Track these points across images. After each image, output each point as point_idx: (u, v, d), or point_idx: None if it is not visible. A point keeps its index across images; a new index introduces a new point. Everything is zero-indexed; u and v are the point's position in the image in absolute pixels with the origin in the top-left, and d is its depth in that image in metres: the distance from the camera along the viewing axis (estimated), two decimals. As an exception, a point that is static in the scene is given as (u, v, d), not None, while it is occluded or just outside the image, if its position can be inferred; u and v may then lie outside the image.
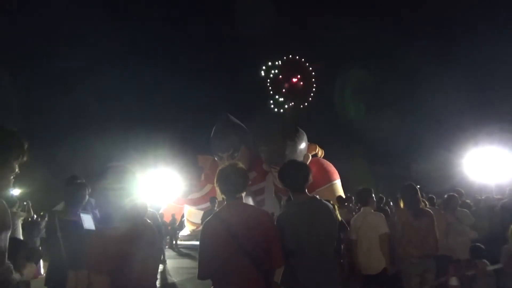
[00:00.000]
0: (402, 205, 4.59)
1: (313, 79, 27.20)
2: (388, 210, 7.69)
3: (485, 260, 4.65)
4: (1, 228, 1.72)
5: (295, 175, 2.79)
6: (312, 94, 26.97)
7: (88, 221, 2.96)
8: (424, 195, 7.17)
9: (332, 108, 31.05)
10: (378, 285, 4.22)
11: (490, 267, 4.56)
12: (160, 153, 13.56)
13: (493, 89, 28.03)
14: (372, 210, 4.51)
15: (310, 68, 27.44)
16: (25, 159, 1.91)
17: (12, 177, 1.87)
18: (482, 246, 4.79)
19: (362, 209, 4.56)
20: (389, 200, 9.57)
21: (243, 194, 2.56)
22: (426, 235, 4.12)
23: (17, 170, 1.88)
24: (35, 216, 8.26)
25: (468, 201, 8.60)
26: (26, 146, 1.90)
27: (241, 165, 2.56)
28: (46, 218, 3.54)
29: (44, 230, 6.16)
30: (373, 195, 4.71)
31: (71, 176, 3.58)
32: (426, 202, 5.69)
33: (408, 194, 4.32)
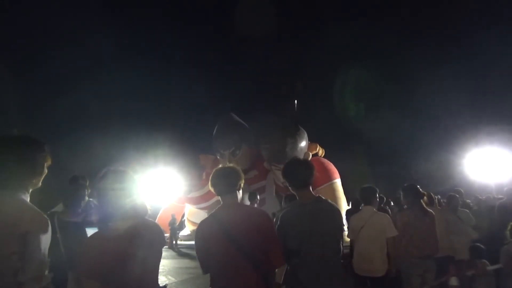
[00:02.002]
0: (405, 206, 4.57)
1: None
2: (389, 210, 7.70)
3: (485, 260, 4.65)
4: (41, 235, 1.72)
5: (299, 174, 2.78)
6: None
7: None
8: (439, 197, 7.09)
9: (332, 108, 31.05)
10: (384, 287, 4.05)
11: (490, 267, 4.56)
12: (160, 153, 13.56)
13: (493, 89, 28.02)
14: (376, 210, 4.29)
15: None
16: (45, 172, 1.98)
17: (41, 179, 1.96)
18: (482, 246, 4.78)
19: (363, 208, 4.40)
20: (389, 200, 9.56)
21: (239, 193, 2.54)
22: (427, 236, 4.11)
23: (46, 171, 1.97)
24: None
25: (468, 201, 8.59)
26: (50, 161, 1.99)
27: (233, 165, 2.58)
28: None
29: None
30: (377, 194, 4.43)
31: (73, 176, 3.55)
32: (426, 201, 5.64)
33: (409, 194, 4.29)
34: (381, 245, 3.96)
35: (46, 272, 1.72)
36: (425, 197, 4.46)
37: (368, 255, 3.98)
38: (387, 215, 4.40)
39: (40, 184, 1.95)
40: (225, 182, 2.46)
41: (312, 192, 2.80)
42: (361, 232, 4.06)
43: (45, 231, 1.74)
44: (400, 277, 4.24)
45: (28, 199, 1.83)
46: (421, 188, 4.48)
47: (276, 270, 2.49)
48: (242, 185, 2.53)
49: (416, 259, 4.07)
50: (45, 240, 1.73)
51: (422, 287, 4.13)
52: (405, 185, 4.41)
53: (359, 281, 4.07)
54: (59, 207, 3.50)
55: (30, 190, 1.86)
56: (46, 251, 1.74)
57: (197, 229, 2.43)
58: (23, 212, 1.72)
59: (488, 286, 4.53)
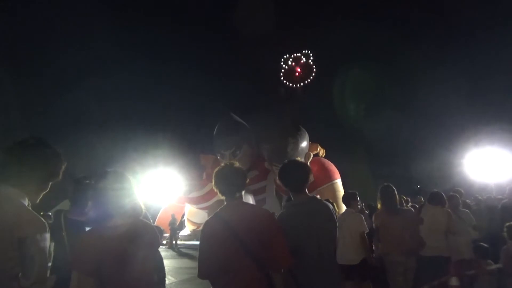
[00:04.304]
0: (379, 206, 4.84)
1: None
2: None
3: (490, 261, 4.65)
4: (40, 239, 1.70)
5: (295, 175, 2.79)
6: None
7: None
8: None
9: (332, 108, 31.06)
10: (358, 272, 4.74)
11: (490, 267, 4.57)
12: (161, 153, 13.56)
13: (493, 89, 28.02)
14: (354, 211, 5.07)
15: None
16: (59, 179, 1.96)
17: (42, 194, 1.92)
18: (486, 246, 4.79)
19: (345, 209, 5.18)
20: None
21: (243, 193, 2.54)
22: (402, 234, 4.30)
23: (48, 189, 1.94)
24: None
25: (468, 201, 8.60)
26: (64, 167, 1.97)
27: (237, 164, 2.56)
28: (51, 218, 3.54)
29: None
30: (358, 198, 5.28)
31: (80, 177, 3.55)
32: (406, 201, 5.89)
33: (385, 195, 4.58)
34: (355, 239, 4.73)
35: (49, 275, 1.72)
36: (399, 197, 4.75)
37: (346, 247, 4.71)
38: (361, 215, 5.07)
39: (38, 200, 1.92)
40: (228, 183, 2.45)
41: (308, 193, 2.82)
42: (341, 229, 4.61)
43: (43, 234, 1.72)
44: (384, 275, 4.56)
45: (26, 204, 1.80)
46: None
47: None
48: (245, 184, 2.53)
49: (396, 257, 4.35)
50: (44, 243, 1.72)
51: (406, 284, 4.36)
52: (382, 186, 4.69)
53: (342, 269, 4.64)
54: (65, 205, 3.50)
55: (27, 200, 1.83)
56: (47, 254, 1.73)
57: (202, 229, 2.43)
58: (20, 217, 1.70)
59: (489, 286, 4.54)
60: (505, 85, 25.95)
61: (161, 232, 4.77)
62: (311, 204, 2.74)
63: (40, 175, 1.86)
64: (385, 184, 4.65)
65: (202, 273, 2.34)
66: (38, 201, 1.93)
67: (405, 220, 4.39)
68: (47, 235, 1.75)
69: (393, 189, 4.53)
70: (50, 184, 1.94)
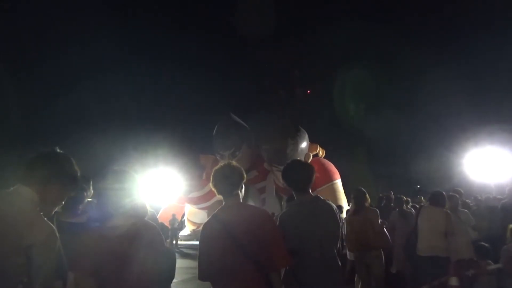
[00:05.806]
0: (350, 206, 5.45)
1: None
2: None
3: (489, 261, 4.65)
4: (48, 247, 1.71)
5: (299, 175, 2.79)
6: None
7: None
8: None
9: (332, 108, 31.05)
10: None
11: (490, 267, 4.56)
12: (161, 153, 13.56)
13: (493, 89, 28.00)
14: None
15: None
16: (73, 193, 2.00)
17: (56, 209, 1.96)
18: (487, 245, 4.78)
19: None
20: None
21: (241, 193, 2.53)
22: (361, 230, 4.68)
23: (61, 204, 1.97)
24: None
25: (468, 201, 8.60)
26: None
27: (235, 163, 2.55)
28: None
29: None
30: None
31: (82, 177, 3.54)
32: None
33: (354, 196, 5.02)
34: None
35: (55, 282, 1.72)
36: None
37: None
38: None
39: (52, 212, 1.95)
40: (226, 182, 2.43)
41: (311, 193, 2.81)
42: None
43: (52, 243, 1.72)
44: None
45: (38, 209, 1.80)
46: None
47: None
48: (244, 184, 2.52)
49: (356, 252, 4.80)
50: (53, 251, 1.71)
51: (371, 277, 4.80)
52: (355, 189, 5.12)
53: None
54: (59, 208, 3.49)
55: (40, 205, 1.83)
56: (54, 263, 1.73)
57: (201, 231, 2.42)
58: (30, 223, 1.69)
59: (489, 286, 4.53)
60: (505, 85, 25.95)
61: (164, 229, 4.79)
62: (314, 204, 2.73)
63: (59, 189, 1.89)
64: (357, 188, 5.04)
65: (203, 275, 2.34)
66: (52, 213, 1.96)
67: (365, 218, 4.73)
68: (57, 243, 1.74)
69: (364, 192, 4.90)
70: (64, 200, 1.97)
